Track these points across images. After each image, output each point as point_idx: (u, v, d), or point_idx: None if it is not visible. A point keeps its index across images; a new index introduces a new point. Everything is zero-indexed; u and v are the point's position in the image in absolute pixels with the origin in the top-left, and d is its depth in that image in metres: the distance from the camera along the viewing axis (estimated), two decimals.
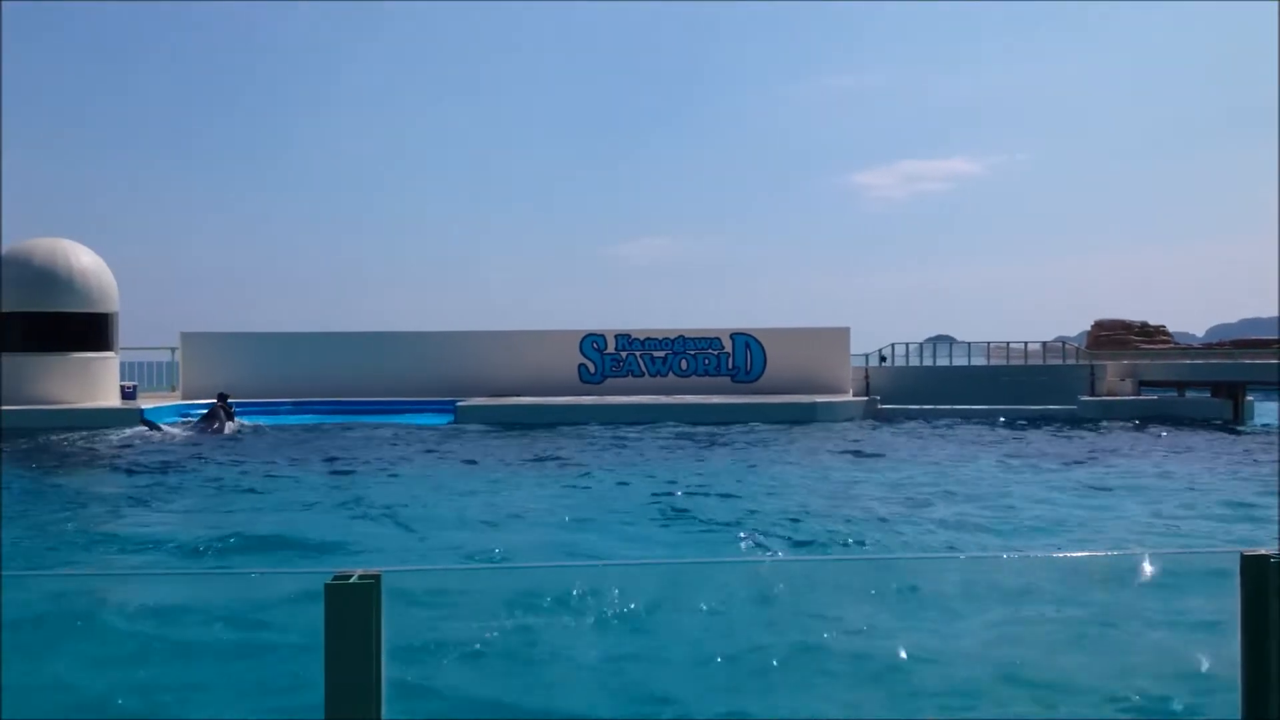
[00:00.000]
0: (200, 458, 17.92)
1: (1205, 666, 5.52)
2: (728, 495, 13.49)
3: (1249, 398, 25.92)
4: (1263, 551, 3.13)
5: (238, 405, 24.04)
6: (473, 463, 17.32)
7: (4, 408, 23.79)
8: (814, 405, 25.24)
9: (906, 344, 30.50)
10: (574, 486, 14.60)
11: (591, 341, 28.93)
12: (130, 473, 16.31)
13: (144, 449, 19.25)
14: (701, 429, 22.14)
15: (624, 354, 28.87)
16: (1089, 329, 48.04)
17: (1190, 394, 27.13)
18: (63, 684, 5.98)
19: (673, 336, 28.93)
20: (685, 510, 12.30)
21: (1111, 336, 45.11)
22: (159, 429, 22.63)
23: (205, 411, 23.48)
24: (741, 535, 10.67)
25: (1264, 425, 24.29)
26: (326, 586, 2.82)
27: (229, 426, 22.83)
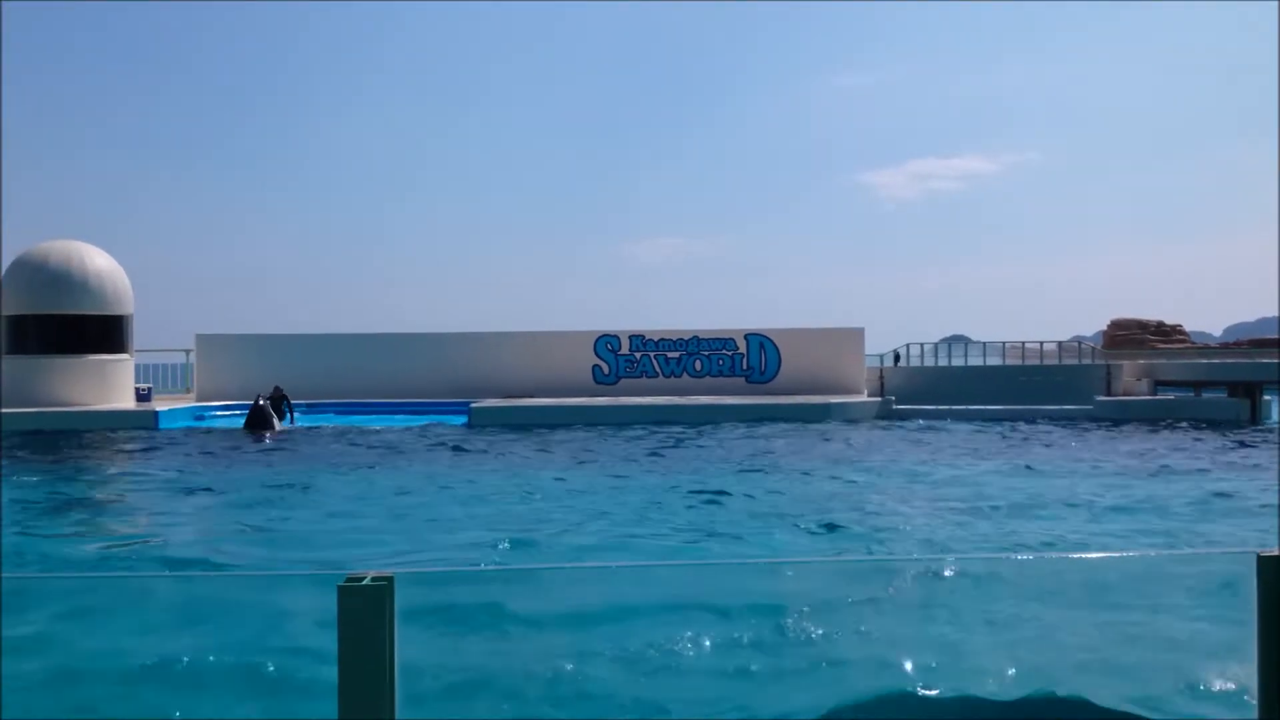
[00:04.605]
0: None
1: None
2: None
3: (1266, 397, 25.73)
4: (1278, 553, 3.11)
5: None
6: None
7: (20, 410, 23.93)
8: (829, 406, 25.19)
9: (921, 344, 30.46)
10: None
11: (605, 342, 28.94)
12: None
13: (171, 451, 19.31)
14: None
15: (638, 355, 28.88)
16: (1105, 328, 47.85)
17: (1207, 394, 26.97)
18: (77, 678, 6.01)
19: (687, 337, 28.93)
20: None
21: (1128, 336, 44.92)
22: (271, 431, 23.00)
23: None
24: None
25: None
26: (340, 588, 2.82)
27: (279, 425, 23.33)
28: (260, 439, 21.75)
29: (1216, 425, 23.21)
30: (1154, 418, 24.39)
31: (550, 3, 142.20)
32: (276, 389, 24.44)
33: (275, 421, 23.24)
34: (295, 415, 24.39)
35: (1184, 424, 23.25)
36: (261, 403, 23.30)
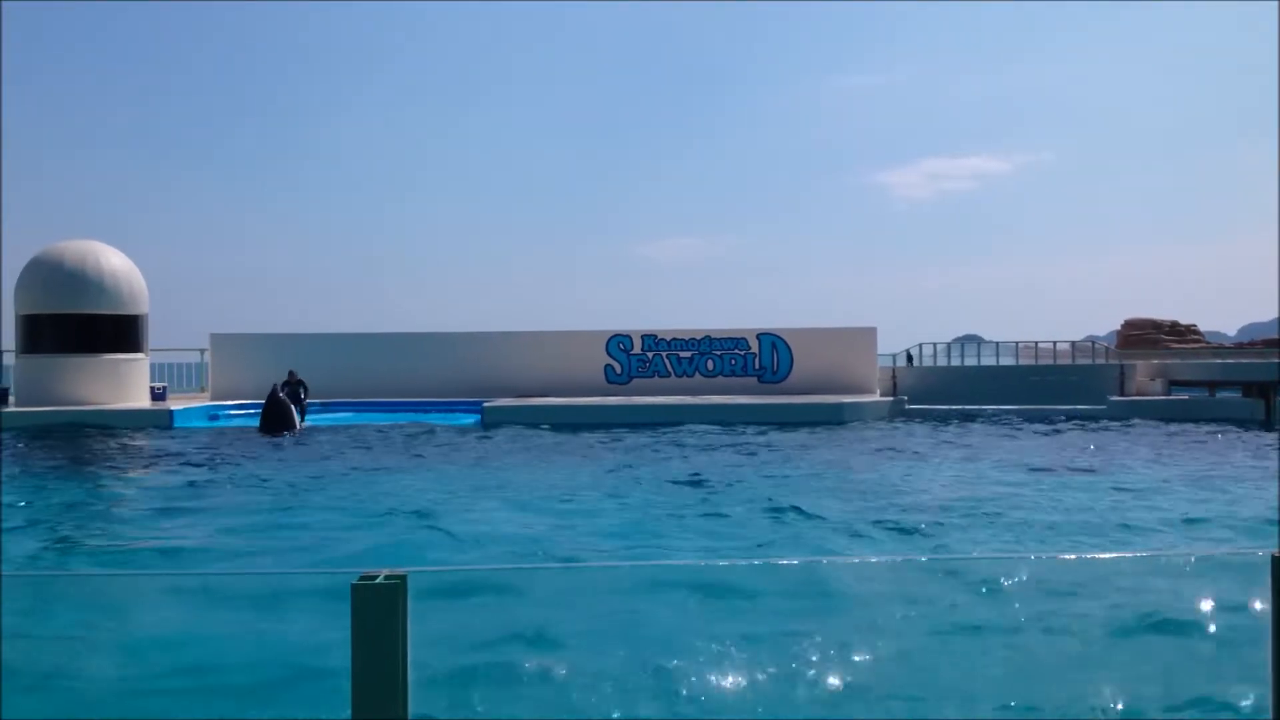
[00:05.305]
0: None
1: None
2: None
3: None
4: None
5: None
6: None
7: (36, 409, 24.09)
8: (841, 405, 25.15)
9: (934, 344, 30.40)
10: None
11: (618, 342, 28.95)
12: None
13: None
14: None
15: (650, 354, 28.89)
16: (1119, 328, 47.67)
17: (1221, 394, 26.84)
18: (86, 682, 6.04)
19: (699, 337, 28.92)
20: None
21: (1142, 336, 44.74)
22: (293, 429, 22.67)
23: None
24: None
25: None
26: (353, 586, 2.84)
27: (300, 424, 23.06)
28: (279, 439, 21.24)
29: (1231, 425, 23.09)
30: (1168, 418, 24.29)
31: (565, 2, 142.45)
32: (291, 374, 24.01)
33: (296, 419, 22.76)
34: (307, 413, 23.98)
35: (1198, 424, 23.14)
36: (280, 395, 22.75)
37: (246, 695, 5.81)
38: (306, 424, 23.30)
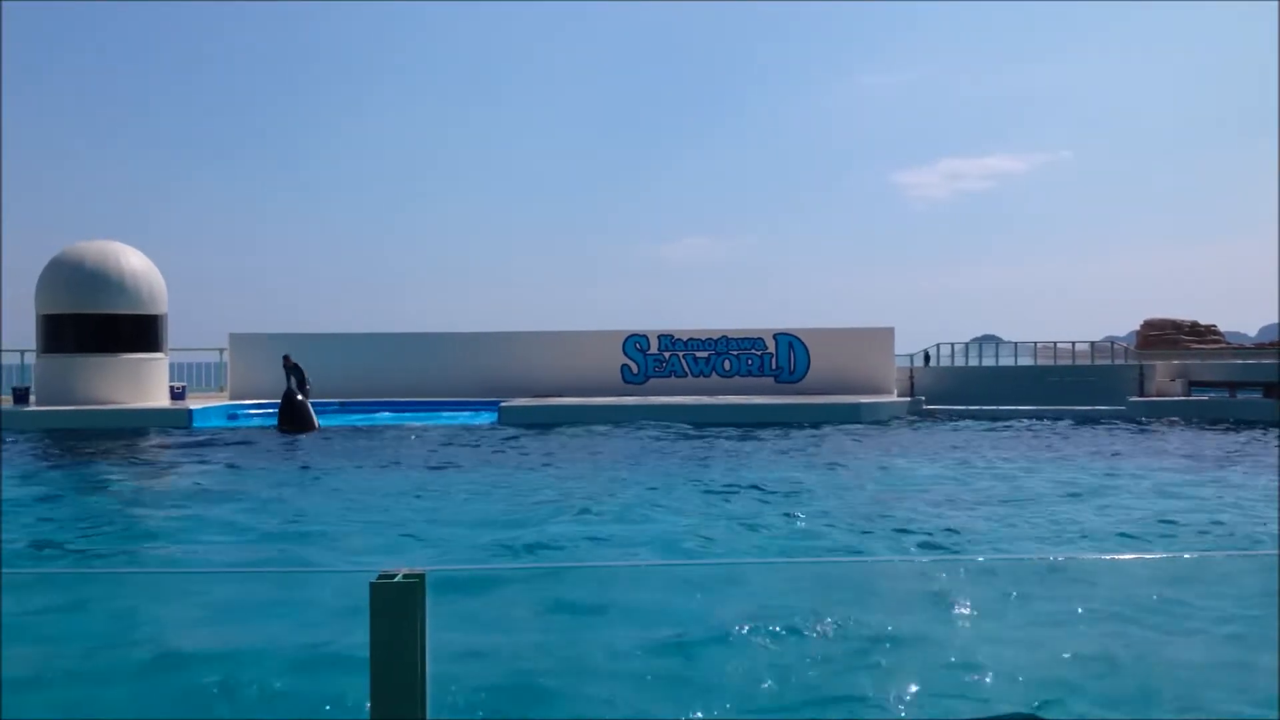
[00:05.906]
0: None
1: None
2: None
3: None
4: None
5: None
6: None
7: (56, 408, 24.26)
8: (858, 406, 25.11)
9: (952, 344, 30.31)
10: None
11: (634, 342, 28.97)
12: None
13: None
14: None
15: (667, 354, 28.90)
16: (1138, 328, 47.34)
17: (1241, 394, 26.70)
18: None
19: (716, 337, 28.92)
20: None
21: (1161, 336, 44.40)
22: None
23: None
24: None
25: None
26: (372, 585, 2.86)
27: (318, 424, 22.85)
28: (298, 438, 21.23)
29: (1251, 426, 22.97)
30: (1188, 419, 24.18)
31: (581, 1, 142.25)
32: (287, 358, 23.68)
33: (315, 418, 22.73)
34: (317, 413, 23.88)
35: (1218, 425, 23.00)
36: (299, 398, 22.74)
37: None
38: (321, 425, 23.27)
